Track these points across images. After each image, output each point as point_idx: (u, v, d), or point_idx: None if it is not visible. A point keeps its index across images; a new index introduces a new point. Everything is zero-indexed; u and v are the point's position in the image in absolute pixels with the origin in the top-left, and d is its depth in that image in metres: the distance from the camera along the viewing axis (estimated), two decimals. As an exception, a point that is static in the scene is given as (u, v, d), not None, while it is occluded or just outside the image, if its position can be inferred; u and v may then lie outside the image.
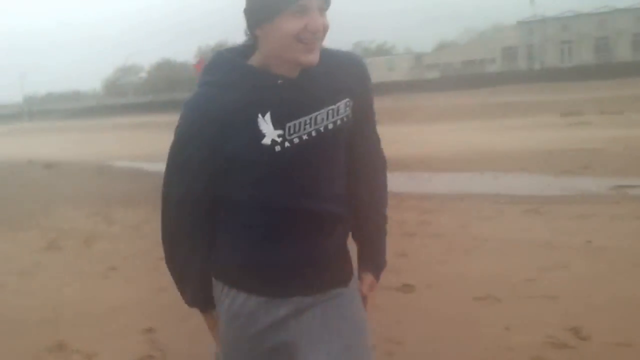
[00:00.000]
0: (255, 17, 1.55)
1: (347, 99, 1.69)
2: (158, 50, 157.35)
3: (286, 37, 1.51)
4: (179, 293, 1.87)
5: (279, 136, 1.59)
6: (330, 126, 1.66)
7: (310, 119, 1.62)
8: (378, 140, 1.89)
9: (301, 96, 1.62)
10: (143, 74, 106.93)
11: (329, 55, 1.66)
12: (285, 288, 1.74)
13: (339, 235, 1.79)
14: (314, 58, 1.56)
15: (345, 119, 1.69)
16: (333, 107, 1.66)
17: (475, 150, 15.11)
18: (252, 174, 1.64)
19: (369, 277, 1.92)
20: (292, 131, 1.61)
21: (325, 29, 1.54)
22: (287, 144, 1.60)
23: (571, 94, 35.79)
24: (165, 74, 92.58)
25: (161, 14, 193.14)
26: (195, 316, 2.02)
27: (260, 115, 1.58)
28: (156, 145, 10.87)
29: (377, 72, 69.01)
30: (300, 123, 1.61)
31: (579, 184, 9.94)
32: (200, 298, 1.85)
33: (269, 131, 1.59)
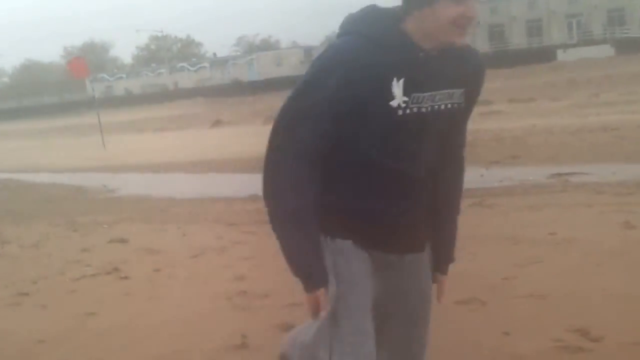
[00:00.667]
0: (418, 0, 1.82)
1: (463, 89, 2.00)
2: (22, 52, 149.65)
3: (445, 21, 1.79)
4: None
5: (404, 102, 1.87)
6: (443, 107, 1.95)
7: (432, 95, 1.91)
8: (465, 139, 2.20)
9: (430, 73, 1.89)
10: (5, 79, 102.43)
11: (463, 48, 1.95)
12: (381, 244, 2.06)
13: (427, 204, 2.10)
14: (464, 40, 1.86)
15: (456, 105, 1.99)
16: (450, 91, 1.95)
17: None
18: (372, 130, 1.90)
19: (443, 279, 2.31)
20: (414, 101, 1.88)
21: (474, 19, 1.81)
22: (407, 110, 1.88)
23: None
24: (31, 78, 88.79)
25: (23, 16, 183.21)
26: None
27: (395, 79, 1.85)
28: (25, 155, 10.13)
29: (265, 68, 68.76)
30: (423, 96, 1.89)
31: (514, 173, 10.15)
32: (314, 268, 1.99)
33: (398, 95, 1.86)
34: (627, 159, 10.31)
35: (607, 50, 47.76)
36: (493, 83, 34.84)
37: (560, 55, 49.78)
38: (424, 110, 1.91)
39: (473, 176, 10.12)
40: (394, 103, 1.87)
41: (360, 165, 1.97)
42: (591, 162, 10.42)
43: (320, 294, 1.98)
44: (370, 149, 1.94)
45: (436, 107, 1.94)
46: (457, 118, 2.05)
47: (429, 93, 1.91)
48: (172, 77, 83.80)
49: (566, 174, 9.53)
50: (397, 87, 1.86)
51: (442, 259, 2.27)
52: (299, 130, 1.90)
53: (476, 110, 2.32)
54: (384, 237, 2.05)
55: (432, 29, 1.83)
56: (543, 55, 48.28)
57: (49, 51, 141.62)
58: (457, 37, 1.84)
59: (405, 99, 1.87)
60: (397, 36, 1.87)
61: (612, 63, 39.37)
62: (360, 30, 1.89)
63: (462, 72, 1.99)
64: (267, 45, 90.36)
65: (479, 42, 61.93)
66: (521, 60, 45.89)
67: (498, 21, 64.39)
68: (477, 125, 17.57)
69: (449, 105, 1.97)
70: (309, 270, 1.98)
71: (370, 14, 1.93)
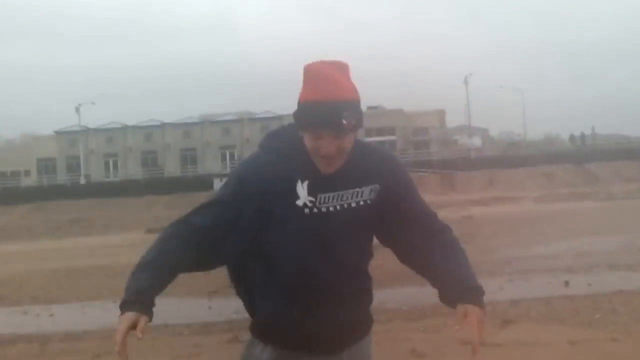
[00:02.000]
0: (297, 126, 2.06)
1: (374, 185, 2.14)
2: None
3: (310, 149, 2.02)
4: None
5: (310, 202, 2.06)
6: (353, 204, 2.11)
7: (338, 195, 2.09)
8: (432, 213, 2.26)
9: (334, 176, 2.06)
10: None
11: (367, 148, 2.19)
12: (306, 348, 2.16)
13: (357, 306, 2.22)
14: (330, 169, 2.04)
15: (368, 202, 2.13)
16: (358, 190, 2.11)
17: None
18: (282, 231, 2.07)
19: (467, 308, 2.03)
20: (321, 201, 2.07)
21: (340, 150, 2.00)
22: (315, 210, 2.06)
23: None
24: None
25: None
26: None
27: (299, 182, 2.05)
28: None
29: None
30: (329, 196, 2.07)
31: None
32: (140, 290, 1.98)
33: (303, 195, 2.05)
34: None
35: None
36: (152, 209, 33.49)
37: (217, 184, 50.55)
38: (331, 209, 2.07)
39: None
40: (299, 202, 2.04)
41: (273, 271, 2.12)
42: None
43: (129, 317, 1.92)
44: (285, 255, 2.09)
45: (345, 205, 2.08)
46: (370, 213, 2.13)
47: (334, 193, 2.07)
48: None
49: None
50: (302, 189, 2.04)
51: (459, 294, 2.08)
52: (192, 216, 2.12)
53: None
54: (307, 341, 2.14)
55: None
56: (200, 184, 48.63)
57: None
58: (324, 167, 2.02)
59: (311, 199, 2.04)
60: (301, 147, 2.04)
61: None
62: (271, 144, 2.15)
63: (372, 170, 2.13)
64: None
65: (132, 168, 60.44)
66: (177, 188, 45.94)
67: (152, 148, 64.62)
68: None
69: (360, 203, 2.11)
70: (130, 292, 1.98)
71: (282, 130, 2.18)
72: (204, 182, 49.88)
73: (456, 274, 2.11)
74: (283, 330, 2.14)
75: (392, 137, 69.15)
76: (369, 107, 73.62)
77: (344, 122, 1.95)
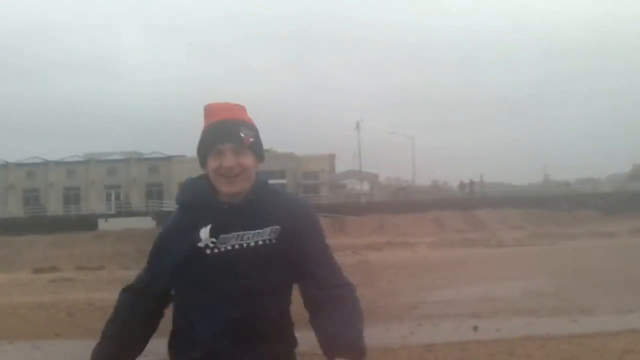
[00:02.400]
0: (199, 159, 2.28)
1: (274, 227, 2.20)
2: None
3: (212, 173, 2.22)
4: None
5: (212, 243, 2.18)
6: (252, 244, 2.18)
7: (239, 235, 2.18)
8: (336, 266, 2.29)
9: (236, 217, 2.20)
10: None
11: (272, 191, 2.31)
12: None
13: (270, 352, 2.21)
14: (233, 188, 2.20)
15: (267, 242, 2.19)
16: (259, 230, 2.19)
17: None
18: (187, 273, 2.20)
19: None
20: (222, 241, 2.18)
21: (240, 165, 2.18)
22: (215, 249, 2.18)
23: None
24: None
25: None
26: None
27: (203, 226, 2.19)
28: None
29: None
30: (230, 237, 2.18)
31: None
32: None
33: (205, 237, 2.18)
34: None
35: (148, 222, 48.88)
36: (34, 248, 31.92)
37: (102, 224, 49.17)
38: (229, 247, 2.17)
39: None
40: (201, 244, 2.18)
41: (184, 310, 2.25)
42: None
43: None
44: (188, 295, 2.24)
45: (244, 244, 2.17)
46: (274, 253, 2.19)
47: (235, 233, 2.17)
48: None
49: None
50: (204, 232, 2.18)
51: (338, 342, 2.10)
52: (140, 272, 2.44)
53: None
54: None
55: (212, 181, 2.24)
56: (84, 223, 47.23)
57: None
58: (225, 186, 2.20)
59: (213, 240, 2.17)
60: (203, 195, 2.25)
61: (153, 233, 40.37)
62: (181, 197, 2.34)
63: (274, 211, 2.22)
64: None
65: (13, 206, 57.74)
66: (60, 227, 43.82)
67: (34, 186, 62.11)
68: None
69: (259, 242, 2.18)
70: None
71: (186, 184, 2.35)
72: (88, 222, 48.75)
73: (340, 329, 2.11)
74: None
75: (283, 181, 69.52)
76: (261, 151, 73.75)
77: (242, 135, 2.19)
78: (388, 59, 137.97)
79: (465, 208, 46.23)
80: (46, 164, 62.44)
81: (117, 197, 61.43)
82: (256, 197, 2.22)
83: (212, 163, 2.18)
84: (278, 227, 2.19)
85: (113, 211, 55.64)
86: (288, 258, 2.20)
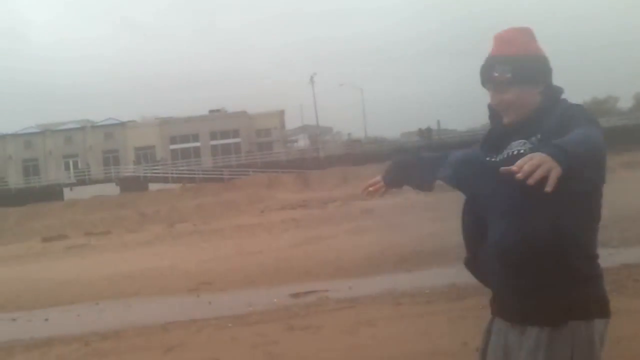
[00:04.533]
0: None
1: (537, 135, 2.15)
2: None
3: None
4: None
5: (493, 155, 2.25)
6: (522, 151, 2.11)
7: (511, 146, 2.18)
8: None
9: (508, 134, 2.22)
10: None
11: (558, 105, 2.20)
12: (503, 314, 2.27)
13: (542, 269, 2.07)
14: (506, 119, 2.25)
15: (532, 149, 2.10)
16: (525, 140, 2.16)
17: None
18: (471, 185, 2.32)
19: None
20: (499, 154, 2.22)
21: (503, 102, 2.21)
22: (494, 158, 2.23)
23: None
24: None
25: None
26: None
27: (486, 142, 2.33)
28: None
29: None
30: (505, 149, 2.20)
31: (251, 298, 8.70)
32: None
33: (487, 152, 2.28)
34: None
35: (112, 188, 48.40)
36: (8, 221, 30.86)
37: (68, 193, 47.97)
38: (504, 157, 2.19)
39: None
40: (486, 158, 2.29)
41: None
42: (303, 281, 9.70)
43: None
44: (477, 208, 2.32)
45: (514, 152, 2.15)
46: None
47: (507, 145, 2.21)
48: None
49: (305, 292, 8.72)
50: (488, 146, 2.32)
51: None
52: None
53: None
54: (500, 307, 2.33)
55: None
56: (49, 193, 46.09)
57: None
58: (502, 115, 2.26)
59: (494, 154, 2.28)
60: (495, 119, 2.33)
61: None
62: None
63: (539, 125, 2.16)
64: None
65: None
66: (25, 200, 42.21)
67: None
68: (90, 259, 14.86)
69: (521, 150, 2.14)
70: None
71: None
72: (53, 192, 47.58)
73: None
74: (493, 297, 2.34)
75: (237, 140, 68.75)
76: (211, 111, 72.70)
77: (495, 74, 2.16)
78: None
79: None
80: (3, 137, 59.87)
81: (75, 165, 59.52)
82: (535, 115, 2.18)
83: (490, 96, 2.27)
84: (539, 135, 2.12)
85: (74, 180, 54.03)
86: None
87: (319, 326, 6.49)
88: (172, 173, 49.78)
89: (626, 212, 11.87)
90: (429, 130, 55.26)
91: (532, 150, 1.94)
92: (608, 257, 8.55)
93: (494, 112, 2.30)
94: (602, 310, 2.14)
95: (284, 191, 39.00)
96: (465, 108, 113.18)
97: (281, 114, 73.80)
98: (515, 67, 2.13)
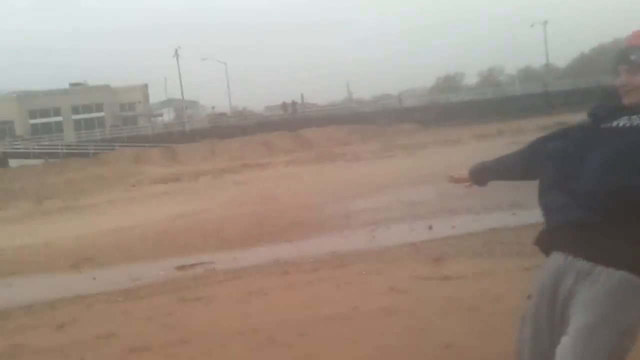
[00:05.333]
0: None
1: None
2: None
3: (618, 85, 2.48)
4: None
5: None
6: (635, 123, 2.33)
7: (628, 118, 2.36)
8: None
9: (622, 110, 2.41)
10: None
11: None
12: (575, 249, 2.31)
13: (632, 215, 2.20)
14: (627, 101, 2.41)
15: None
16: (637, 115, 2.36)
17: None
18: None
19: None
20: (616, 123, 2.37)
21: (633, 83, 2.39)
22: (613, 124, 2.38)
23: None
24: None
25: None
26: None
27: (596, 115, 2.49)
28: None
29: None
30: (619, 120, 2.37)
31: (134, 272, 8.54)
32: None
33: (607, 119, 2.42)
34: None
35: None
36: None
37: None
38: (619, 125, 2.40)
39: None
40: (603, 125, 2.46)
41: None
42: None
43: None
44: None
45: (627, 124, 2.38)
46: None
47: (625, 117, 2.41)
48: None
49: (191, 265, 8.63)
50: (609, 115, 2.46)
51: None
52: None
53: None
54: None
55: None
56: None
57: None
58: (623, 97, 2.43)
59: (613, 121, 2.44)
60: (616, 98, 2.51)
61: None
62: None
63: None
64: None
65: None
66: None
67: None
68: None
69: (634, 123, 2.37)
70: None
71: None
72: None
73: None
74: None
75: (101, 114, 66.12)
76: (72, 84, 69.28)
77: (632, 58, 2.41)
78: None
79: (290, 128, 46.66)
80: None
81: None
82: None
83: (616, 81, 2.47)
84: None
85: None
86: None
87: (210, 297, 6.46)
88: (33, 148, 47.08)
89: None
90: (293, 104, 55.68)
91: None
92: (475, 223, 9.19)
93: (610, 94, 2.52)
94: None
95: (152, 165, 38.14)
96: (327, 83, 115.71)
97: (145, 87, 71.65)
98: None
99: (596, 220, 2.23)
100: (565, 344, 2.21)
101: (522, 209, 9.91)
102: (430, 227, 9.31)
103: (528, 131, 30.03)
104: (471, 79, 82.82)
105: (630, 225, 2.18)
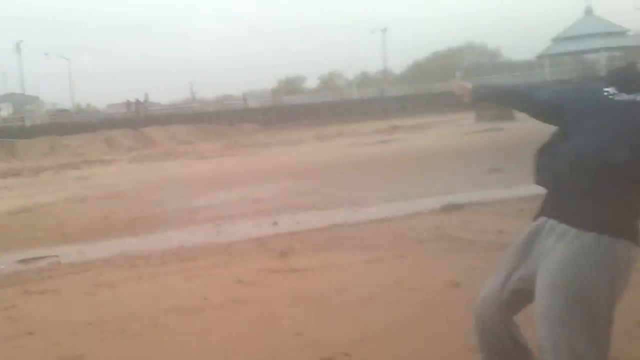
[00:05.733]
0: None
1: None
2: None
3: None
4: None
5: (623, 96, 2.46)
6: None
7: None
8: None
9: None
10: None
11: None
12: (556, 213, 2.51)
13: (610, 182, 2.33)
14: None
15: None
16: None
17: None
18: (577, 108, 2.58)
19: None
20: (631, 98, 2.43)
21: None
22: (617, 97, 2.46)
23: None
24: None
25: None
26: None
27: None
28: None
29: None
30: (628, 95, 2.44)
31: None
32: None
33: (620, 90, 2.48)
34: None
35: None
36: None
37: None
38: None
39: None
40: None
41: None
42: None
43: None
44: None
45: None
46: None
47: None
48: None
49: (34, 258, 8.24)
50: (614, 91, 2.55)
51: None
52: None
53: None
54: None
55: None
56: None
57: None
58: None
59: (620, 93, 2.52)
60: None
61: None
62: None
63: None
64: None
65: None
66: None
67: None
68: None
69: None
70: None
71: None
72: None
73: None
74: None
75: None
76: None
77: None
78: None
79: (133, 127, 45.23)
80: None
81: None
82: None
83: None
84: None
85: None
86: None
87: (56, 289, 6.24)
88: None
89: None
90: (137, 102, 54.02)
91: None
92: (318, 219, 9.56)
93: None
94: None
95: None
96: (171, 83, 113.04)
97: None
98: None
99: (574, 186, 2.39)
100: (546, 305, 2.36)
101: (362, 206, 10.53)
102: (276, 223, 9.49)
103: (365, 133, 31.65)
104: (312, 83, 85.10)
105: (603, 191, 2.31)
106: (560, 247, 2.39)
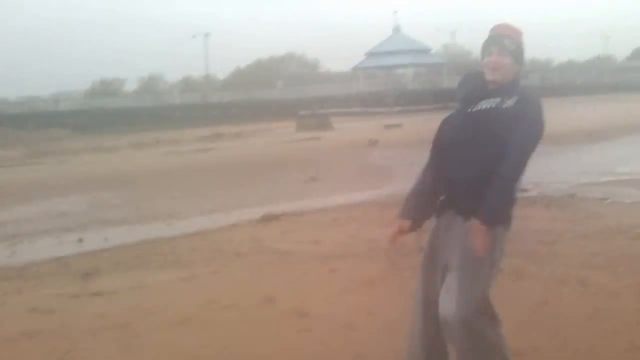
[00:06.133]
0: (481, 56, 3.13)
1: (510, 100, 2.97)
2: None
3: (484, 65, 3.06)
4: None
5: (470, 107, 3.07)
6: (490, 106, 3.00)
7: (487, 101, 3.01)
8: (521, 144, 2.89)
9: (487, 92, 3.05)
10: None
11: (523, 91, 3.03)
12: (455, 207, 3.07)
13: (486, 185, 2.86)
14: (490, 77, 3.03)
15: (502, 109, 2.97)
16: (497, 99, 2.99)
17: None
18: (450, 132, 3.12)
19: (472, 221, 2.89)
20: (474, 107, 3.03)
21: (500, 62, 3.00)
22: (470, 109, 3.05)
23: None
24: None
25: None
26: None
27: (466, 96, 3.13)
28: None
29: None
30: (481, 104, 3.03)
31: None
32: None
33: (467, 104, 3.10)
34: None
35: None
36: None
37: None
38: (476, 109, 3.04)
39: None
40: (464, 109, 3.15)
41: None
42: None
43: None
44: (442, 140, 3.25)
45: (486, 107, 3.03)
46: (504, 118, 2.97)
47: (484, 101, 3.06)
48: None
49: None
50: (467, 100, 3.15)
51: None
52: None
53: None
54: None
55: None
56: None
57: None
58: (488, 73, 3.04)
59: (471, 105, 3.12)
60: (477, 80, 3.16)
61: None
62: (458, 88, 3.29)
63: (515, 95, 3.03)
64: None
65: None
66: None
67: None
68: None
69: (491, 106, 3.02)
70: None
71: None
72: None
73: (485, 202, 2.88)
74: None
75: None
76: None
77: (505, 42, 3.00)
78: None
79: None
80: None
81: None
82: (508, 87, 3.00)
83: (485, 58, 3.03)
84: (516, 97, 2.95)
85: None
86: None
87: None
88: None
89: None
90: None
91: (497, 106, 2.95)
92: (129, 234, 8.88)
93: (470, 78, 3.17)
94: (509, 225, 3.00)
95: None
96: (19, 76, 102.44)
97: None
98: (517, 46, 3.04)
99: (460, 187, 2.98)
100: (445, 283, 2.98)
101: (178, 219, 9.97)
102: (81, 240, 8.67)
103: (185, 141, 30.57)
104: (131, 85, 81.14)
105: (479, 185, 2.86)
106: (454, 234, 3.05)
